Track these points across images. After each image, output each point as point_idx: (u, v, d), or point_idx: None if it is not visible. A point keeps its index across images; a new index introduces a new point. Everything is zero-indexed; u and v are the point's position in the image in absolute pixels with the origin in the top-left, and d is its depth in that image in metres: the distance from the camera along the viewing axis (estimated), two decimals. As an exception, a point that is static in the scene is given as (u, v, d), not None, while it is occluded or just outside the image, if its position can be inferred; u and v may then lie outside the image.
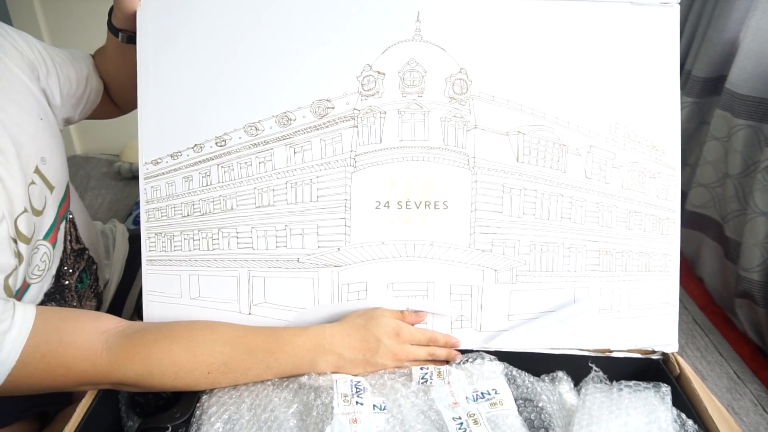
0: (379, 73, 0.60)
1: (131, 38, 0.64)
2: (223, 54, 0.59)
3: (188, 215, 0.61)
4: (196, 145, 0.60)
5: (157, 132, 0.60)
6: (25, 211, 0.56)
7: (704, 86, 1.17)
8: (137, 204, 1.17)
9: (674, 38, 0.61)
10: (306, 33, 0.59)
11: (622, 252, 0.62)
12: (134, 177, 1.43)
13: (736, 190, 1.07)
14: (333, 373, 0.54)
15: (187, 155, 0.61)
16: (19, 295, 0.57)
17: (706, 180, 1.16)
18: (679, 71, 0.61)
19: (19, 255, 0.54)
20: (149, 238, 0.61)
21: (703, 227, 1.20)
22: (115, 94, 0.77)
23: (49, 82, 0.64)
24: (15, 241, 0.54)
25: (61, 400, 0.66)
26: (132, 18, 0.61)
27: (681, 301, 1.10)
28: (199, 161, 0.61)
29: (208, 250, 0.61)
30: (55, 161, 0.64)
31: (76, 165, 1.50)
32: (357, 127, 0.60)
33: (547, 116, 0.60)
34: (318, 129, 0.60)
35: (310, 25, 0.59)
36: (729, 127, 1.08)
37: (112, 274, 0.83)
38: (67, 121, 0.73)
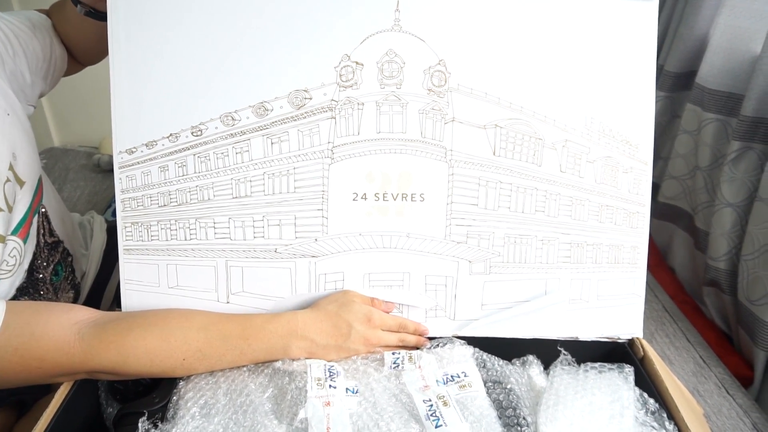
0: (357, 63, 0.59)
1: (90, 13, 0.63)
2: (198, 42, 0.59)
3: (165, 205, 0.61)
4: (171, 134, 0.60)
5: (131, 120, 0.59)
6: (1, 210, 0.55)
7: (676, 81, 1.20)
8: (116, 196, 1.17)
9: (652, 34, 0.62)
10: (283, 22, 0.59)
11: (593, 244, 0.64)
12: (113, 169, 1.42)
13: (706, 182, 1.10)
14: (306, 358, 0.56)
15: (163, 144, 0.60)
16: None
17: (677, 172, 1.20)
18: (655, 67, 0.63)
19: None
20: (125, 227, 0.61)
21: (674, 218, 1.23)
22: (77, 54, 0.74)
23: (17, 62, 0.63)
24: None
25: (39, 388, 0.66)
26: None
27: (652, 289, 1.14)
28: (175, 151, 0.60)
29: (186, 239, 0.61)
30: (26, 156, 0.63)
31: (54, 157, 1.48)
32: (335, 118, 0.60)
33: (524, 110, 0.61)
34: (295, 120, 0.60)
35: (288, 13, 0.59)
36: (699, 121, 1.12)
37: (89, 265, 0.82)
38: (41, 94, 0.71)
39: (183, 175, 0.61)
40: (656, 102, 1.23)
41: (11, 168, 0.59)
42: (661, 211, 1.25)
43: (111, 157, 1.52)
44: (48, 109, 1.54)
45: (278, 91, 0.59)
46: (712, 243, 1.05)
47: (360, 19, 0.59)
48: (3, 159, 0.58)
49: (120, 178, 0.61)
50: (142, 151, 0.61)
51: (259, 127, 0.60)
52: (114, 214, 1.13)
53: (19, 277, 0.62)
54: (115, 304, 0.79)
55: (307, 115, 0.60)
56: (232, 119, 0.60)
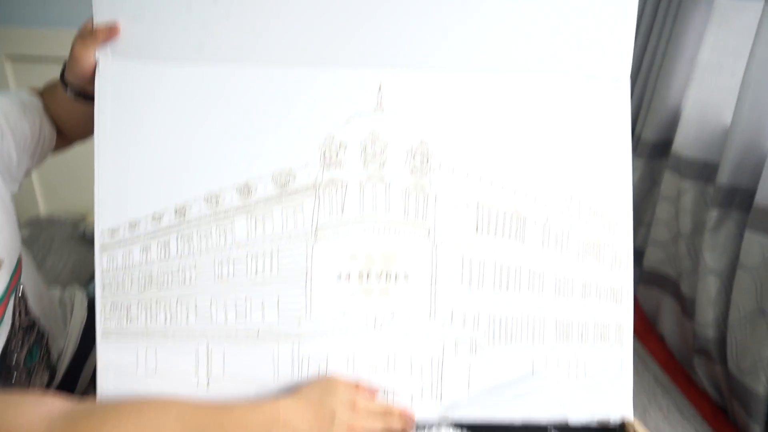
0: (341, 144, 0.61)
1: (79, 94, 0.65)
2: (183, 122, 0.60)
3: (145, 286, 0.60)
4: (154, 213, 0.60)
5: (114, 200, 0.60)
6: None
7: (653, 149, 1.23)
8: (100, 268, 1.15)
9: (625, 113, 0.64)
10: (269, 103, 0.60)
11: (578, 323, 0.63)
12: (99, 240, 1.41)
13: (688, 248, 1.11)
14: None
15: (146, 224, 0.60)
16: None
17: (660, 238, 1.21)
18: (630, 146, 0.64)
19: None
20: (104, 309, 0.60)
21: (660, 285, 1.23)
22: (66, 133, 0.75)
23: (4, 143, 0.63)
24: None
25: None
26: (82, 78, 0.61)
27: (642, 359, 1.12)
28: (158, 231, 0.60)
29: (165, 323, 0.60)
30: (5, 235, 0.62)
31: (40, 227, 1.47)
32: (318, 197, 0.60)
33: (505, 188, 0.62)
34: (279, 199, 0.60)
35: (273, 95, 0.60)
36: (678, 188, 1.14)
37: (68, 342, 0.80)
38: (27, 173, 0.71)
39: (165, 256, 0.60)
40: (636, 170, 1.26)
41: None
42: (647, 278, 1.25)
43: (96, 228, 1.50)
44: (36, 177, 1.54)
45: (262, 171, 0.60)
46: (699, 310, 1.05)
47: (344, 100, 0.61)
48: None
49: (101, 259, 0.60)
50: (124, 232, 0.60)
51: (242, 206, 0.60)
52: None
53: None
54: (92, 384, 0.77)
55: (291, 195, 0.60)
56: (216, 199, 0.60)
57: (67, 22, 1.47)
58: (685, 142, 1.10)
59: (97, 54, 0.60)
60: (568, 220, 0.63)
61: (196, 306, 0.60)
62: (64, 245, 1.40)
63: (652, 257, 1.23)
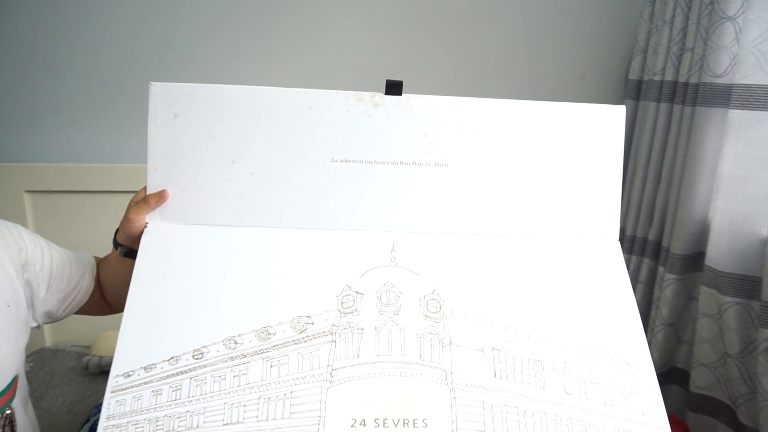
0: (357, 293, 0.65)
1: (128, 253, 0.74)
2: (213, 275, 0.67)
3: None
4: (172, 357, 0.62)
5: (135, 344, 0.62)
6: None
7: (684, 263, 1.19)
8: (98, 407, 1.09)
9: (620, 265, 0.72)
10: (291, 259, 0.68)
11: None
12: (102, 372, 1.35)
13: (740, 371, 1.03)
14: None
15: (162, 368, 0.61)
16: None
17: (706, 359, 1.13)
18: (633, 295, 0.70)
19: None
20: None
21: (713, 412, 1.13)
22: (109, 297, 0.84)
23: (39, 277, 0.72)
24: None
25: None
26: (132, 238, 0.71)
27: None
28: (172, 374, 0.61)
29: None
30: (6, 350, 0.66)
31: (43, 359, 1.43)
32: (335, 342, 0.62)
33: (518, 333, 0.65)
34: (296, 343, 0.62)
35: (296, 252, 0.69)
36: (718, 305, 1.08)
37: None
38: (49, 315, 0.78)
39: (175, 400, 0.60)
40: (668, 284, 1.21)
41: None
42: (696, 404, 1.16)
43: (101, 358, 1.46)
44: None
45: (282, 317, 0.64)
46: (765, 444, 0.93)
47: (361, 256, 0.69)
48: None
49: (109, 403, 0.60)
50: (138, 375, 0.61)
51: (260, 350, 0.62)
52: (91, 429, 1.04)
53: None
54: None
55: (308, 339, 0.63)
56: (235, 343, 0.63)
57: (88, 157, 1.56)
58: (719, 256, 1.06)
59: (147, 218, 0.71)
60: (587, 365, 0.64)
61: None
62: (65, 380, 1.37)
63: (699, 381, 1.14)
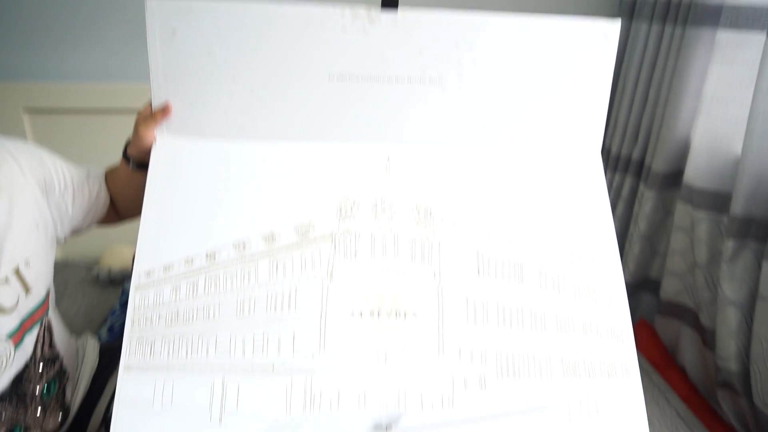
0: (354, 201, 0.71)
1: (139, 166, 0.78)
2: (220, 185, 0.72)
3: (171, 322, 0.67)
4: (187, 257, 0.69)
5: (153, 247, 0.69)
6: None
7: (664, 180, 1.26)
8: (113, 312, 1.18)
9: (600, 177, 0.77)
10: (294, 170, 0.74)
11: (583, 360, 0.68)
12: (112, 283, 1.43)
13: (706, 279, 1.12)
14: None
15: (179, 267, 0.68)
16: None
17: (676, 269, 1.22)
18: (609, 204, 0.76)
19: None
20: (131, 344, 0.66)
21: (679, 316, 1.24)
22: (119, 207, 0.89)
23: (65, 196, 0.77)
24: None
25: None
26: (144, 151, 0.75)
27: (663, 394, 1.11)
28: (189, 273, 0.68)
29: (186, 356, 0.65)
30: (40, 267, 0.72)
31: (55, 271, 1.50)
32: (335, 245, 0.69)
33: (501, 238, 0.72)
34: (299, 246, 0.69)
35: (298, 164, 0.74)
36: (691, 219, 1.16)
37: (78, 388, 0.84)
38: (75, 231, 0.84)
39: (193, 295, 0.68)
40: (647, 200, 1.28)
41: (18, 272, 0.68)
42: (664, 309, 1.26)
43: (110, 270, 1.54)
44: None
45: (286, 223, 0.70)
46: (720, 342, 1.05)
47: (357, 167, 0.74)
48: (12, 260, 0.67)
49: (134, 298, 0.67)
50: (158, 274, 0.68)
51: (266, 252, 0.69)
52: (109, 330, 1.13)
53: (1, 384, 0.67)
54: (103, 427, 0.78)
55: (309, 242, 0.69)
56: (243, 246, 0.69)
57: (84, 75, 1.56)
58: (697, 172, 1.12)
59: (155, 132, 0.75)
60: (562, 266, 0.71)
61: (216, 340, 0.66)
62: (78, 289, 1.44)
63: (669, 288, 1.24)
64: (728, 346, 1.03)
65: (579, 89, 0.76)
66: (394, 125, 0.76)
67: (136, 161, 0.79)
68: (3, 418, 0.68)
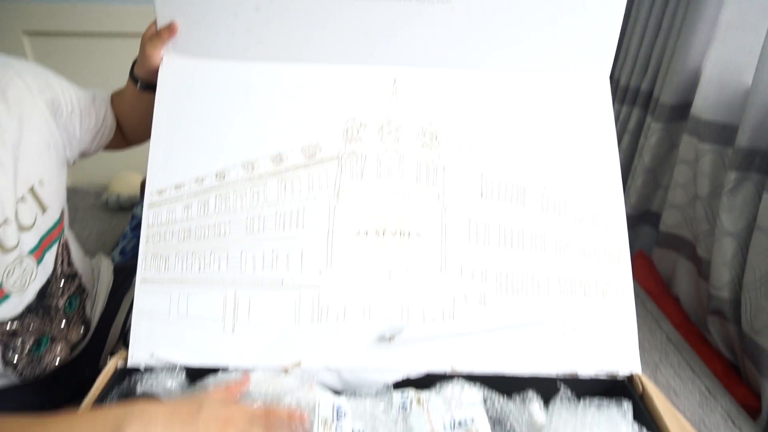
0: (361, 123, 0.73)
1: (147, 87, 0.79)
2: (228, 106, 0.73)
3: (184, 239, 0.70)
4: (198, 177, 0.71)
5: (164, 166, 0.71)
6: (5, 222, 0.65)
7: (671, 113, 1.24)
8: (124, 236, 1.21)
9: (607, 101, 0.77)
10: (301, 91, 0.74)
11: (580, 280, 0.71)
12: (121, 209, 1.46)
13: (706, 211, 1.13)
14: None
15: (189, 186, 0.71)
16: None
17: (677, 201, 1.23)
18: (614, 127, 0.76)
19: None
20: (146, 259, 0.69)
21: (677, 247, 1.26)
22: (126, 131, 0.89)
23: (72, 118, 0.77)
24: None
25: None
26: (151, 72, 0.76)
27: (656, 320, 1.15)
28: (200, 192, 0.71)
29: (199, 271, 0.69)
30: (54, 186, 0.74)
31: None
32: (341, 166, 0.71)
33: (505, 162, 0.73)
34: (307, 167, 0.71)
35: (305, 85, 0.74)
36: (696, 151, 1.15)
37: (96, 305, 0.87)
38: (83, 154, 0.84)
39: (204, 213, 0.70)
40: (654, 133, 1.27)
41: (32, 190, 0.70)
42: (663, 240, 1.28)
43: (119, 196, 1.56)
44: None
45: (293, 144, 0.72)
46: (714, 272, 1.07)
47: (365, 90, 0.75)
48: (27, 180, 0.69)
49: (148, 215, 0.70)
50: (170, 192, 0.71)
51: (275, 172, 0.71)
52: (121, 252, 1.17)
53: (28, 296, 0.71)
54: (122, 339, 0.83)
55: (317, 163, 0.71)
56: (252, 166, 0.71)
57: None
58: (705, 104, 1.11)
59: (162, 52, 0.75)
60: (564, 190, 0.73)
61: (227, 256, 0.69)
62: (88, 214, 1.47)
63: (668, 220, 1.26)
64: (722, 275, 1.05)
65: (591, 13, 0.74)
66: (401, 46, 0.75)
67: (144, 82, 0.80)
68: (32, 328, 0.73)
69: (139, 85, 0.80)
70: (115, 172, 1.55)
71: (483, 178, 0.71)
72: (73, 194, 1.55)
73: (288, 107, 0.73)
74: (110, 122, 0.85)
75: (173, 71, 0.75)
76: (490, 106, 0.75)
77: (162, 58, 0.75)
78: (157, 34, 0.74)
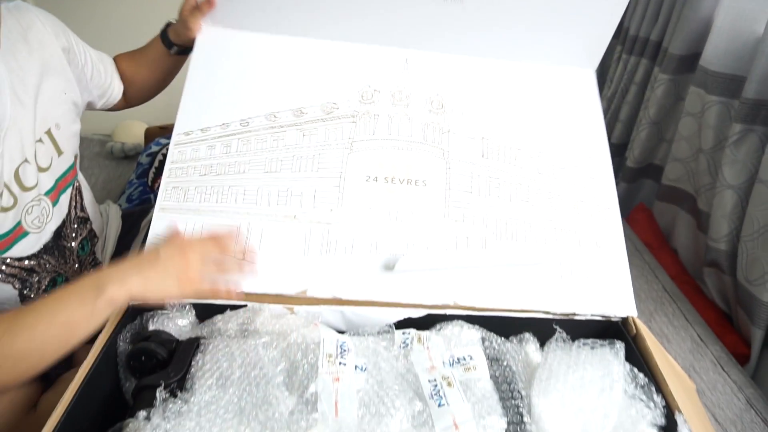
0: (375, 90, 0.80)
1: (181, 51, 0.88)
2: (257, 68, 0.81)
3: (205, 174, 0.75)
4: (223, 123, 0.77)
5: (193, 112, 0.77)
6: (26, 161, 0.68)
7: (680, 64, 1.22)
8: (130, 182, 1.22)
9: (593, 88, 0.87)
10: (323, 62, 0.83)
11: (575, 230, 0.76)
12: (126, 157, 1.47)
13: (708, 164, 1.14)
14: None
15: (215, 131, 0.76)
16: (12, 239, 0.68)
17: (681, 155, 1.23)
18: (601, 109, 0.86)
19: (14, 196, 0.67)
20: (166, 190, 0.73)
21: (678, 200, 1.26)
22: (135, 90, 0.93)
23: (85, 70, 0.81)
24: (9, 185, 0.66)
25: (62, 363, 0.70)
26: (190, 39, 0.84)
27: (653, 270, 1.18)
28: (224, 135, 0.76)
29: (216, 203, 0.73)
30: (70, 131, 0.78)
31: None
32: (355, 122, 0.78)
33: (505, 128, 0.80)
34: (324, 121, 0.77)
35: (327, 57, 0.83)
36: (702, 103, 1.14)
37: (105, 250, 0.89)
38: (89, 105, 0.87)
39: (226, 153, 0.76)
40: (660, 84, 1.25)
41: (49, 133, 0.73)
42: (664, 194, 1.29)
43: (123, 144, 1.57)
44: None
45: (313, 101, 0.79)
46: (713, 224, 1.08)
47: (380, 64, 0.84)
48: (44, 122, 0.71)
49: (173, 152, 0.75)
50: (196, 134, 0.76)
51: (295, 123, 0.77)
52: (128, 200, 1.18)
53: (45, 236, 0.74)
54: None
55: (333, 119, 0.78)
56: (275, 117, 0.78)
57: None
58: (714, 55, 1.10)
59: (202, 22, 0.84)
60: (558, 154, 0.80)
61: (244, 191, 0.74)
62: (93, 162, 1.48)
63: (671, 174, 1.26)
64: (721, 227, 1.06)
65: (587, 15, 0.81)
66: (415, 32, 0.83)
67: (179, 47, 0.87)
68: (48, 268, 0.76)
69: (174, 50, 0.88)
70: (119, 121, 1.55)
71: (484, 141, 0.79)
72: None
73: (310, 73, 0.81)
74: (117, 88, 0.89)
75: (209, 40, 0.83)
76: (492, 86, 0.83)
77: (200, 28, 0.83)
78: (198, 8, 0.81)
